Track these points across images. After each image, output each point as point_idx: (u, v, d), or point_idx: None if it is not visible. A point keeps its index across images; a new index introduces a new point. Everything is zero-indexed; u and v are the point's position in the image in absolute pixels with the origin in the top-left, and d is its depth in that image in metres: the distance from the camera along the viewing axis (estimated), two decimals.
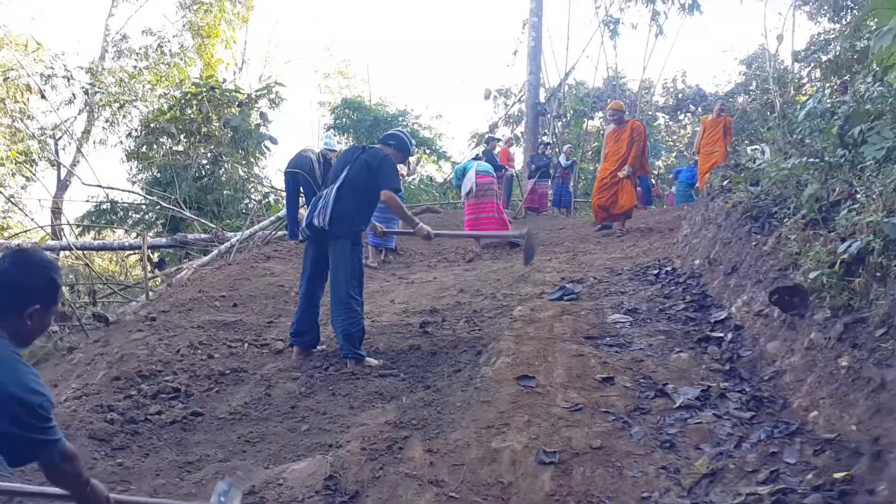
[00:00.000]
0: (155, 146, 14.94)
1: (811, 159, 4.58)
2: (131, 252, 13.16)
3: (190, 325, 4.83)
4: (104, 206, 14.50)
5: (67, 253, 11.26)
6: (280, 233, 10.61)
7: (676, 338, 3.97)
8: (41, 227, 13.55)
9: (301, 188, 8.73)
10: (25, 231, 14.34)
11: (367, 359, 4.18)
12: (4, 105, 20.34)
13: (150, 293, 6.86)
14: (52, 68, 20.53)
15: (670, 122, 29.80)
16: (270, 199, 14.24)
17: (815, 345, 3.04)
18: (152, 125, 14.79)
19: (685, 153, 26.00)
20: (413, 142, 5.26)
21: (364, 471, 2.78)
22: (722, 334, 3.87)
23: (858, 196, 3.55)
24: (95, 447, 3.10)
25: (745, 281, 4.25)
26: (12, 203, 18.02)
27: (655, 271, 5.61)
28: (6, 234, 15.19)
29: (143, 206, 14.27)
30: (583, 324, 4.39)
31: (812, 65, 20.60)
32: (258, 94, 15.38)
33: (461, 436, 3.00)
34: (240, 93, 15.42)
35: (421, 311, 5.13)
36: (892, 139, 3.85)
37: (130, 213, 14.76)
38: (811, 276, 3.23)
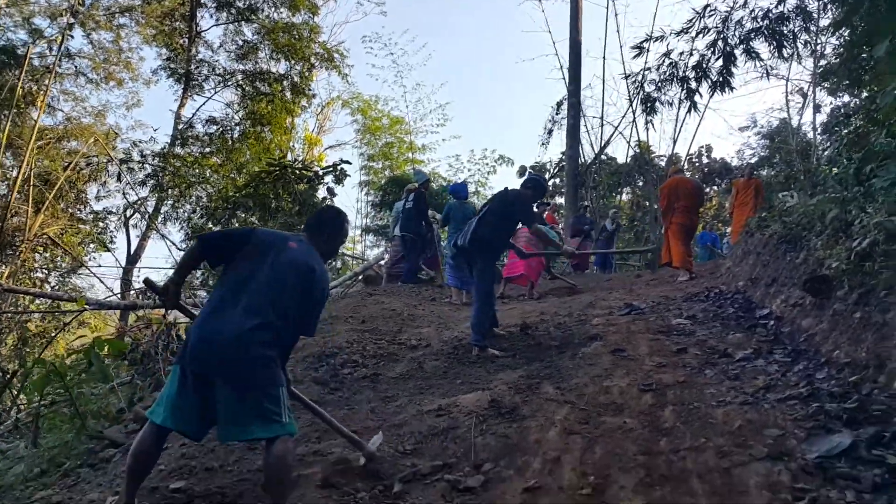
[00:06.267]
0: (233, 219, 16.55)
1: (833, 194, 5.77)
2: None
3: (340, 329, 6.06)
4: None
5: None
6: (353, 289, 11.92)
7: (731, 327, 5.10)
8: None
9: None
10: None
11: (490, 349, 5.33)
12: (79, 190, 22.34)
13: None
14: (129, 154, 22.65)
15: None
16: (338, 263, 15.56)
17: (837, 312, 4.14)
18: (232, 199, 16.39)
19: (715, 222, 27.29)
20: (547, 183, 6.55)
21: (515, 398, 3.92)
22: (766, 322, 4.98)
23: (869, 210, 4.71)
24: (320, 387, 4.32)
25: (782, 287, 5.36)
26: (92, 273, 19.63)
27: (705, 294, 6.72)
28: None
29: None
30: (653, 325, 5.53)
31: (834, 138, 21.90)
32: (325, 171, 17.00)
33: (579, 381, 4.13)
34: (308, 171, 17.07)
35: (515, 325, 6.28)
36: (895, 173, 5.05)
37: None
38: (833, 265, 4.36)
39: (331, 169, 17.25)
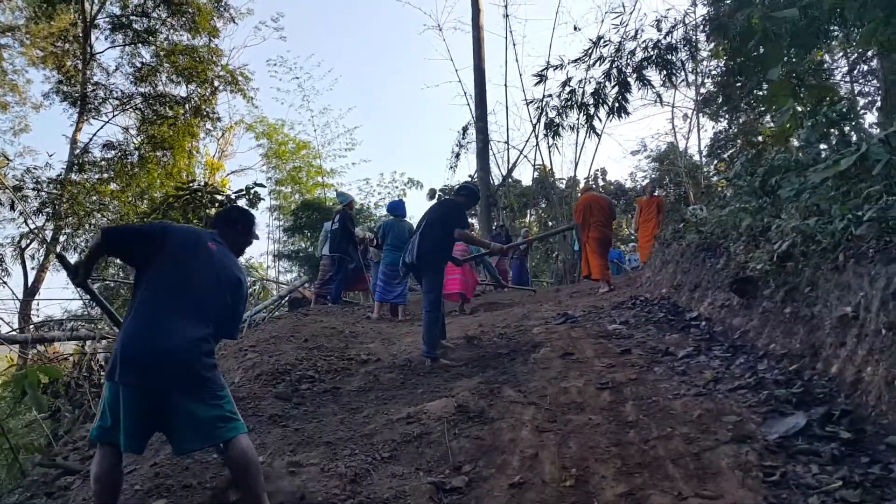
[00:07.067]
0: None
1: (743, 205, 6.27)
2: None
3: (286, 349, 5.93)
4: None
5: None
6: (278, 312, 11.67)
7: (665, 329, 5.42)
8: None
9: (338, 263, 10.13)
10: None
11: (441, 360, 5.41)
12: None
13: None
14: (22, 182, 21.27)
15: None
16: (258, 286, 15.18)
17: (766, 309, 4.52)
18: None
19: (615, 241, 28.57)
20: (479, 190, 6.79)
21: (480, 402, 4.01)
22: (698, 323, 5.33)
23: (783, 216, 5.17)
24: (283, 403, 4.24)
25: (707, 291, 5.76)
26: None
27: (632, 302, 7.08)
28: None
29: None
30: (591, 331, 5.79)
31: (716, 160, 23.67)
32: (238, 195, 16.57)
33: (537, 384, 4.28)
34: (219, 195, 16.58)
35: (458, 337, 6.38)
36: (797, 184, 5.56)
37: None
38: (757, 267, 4.75)
39: (243, 192, 16.88)
